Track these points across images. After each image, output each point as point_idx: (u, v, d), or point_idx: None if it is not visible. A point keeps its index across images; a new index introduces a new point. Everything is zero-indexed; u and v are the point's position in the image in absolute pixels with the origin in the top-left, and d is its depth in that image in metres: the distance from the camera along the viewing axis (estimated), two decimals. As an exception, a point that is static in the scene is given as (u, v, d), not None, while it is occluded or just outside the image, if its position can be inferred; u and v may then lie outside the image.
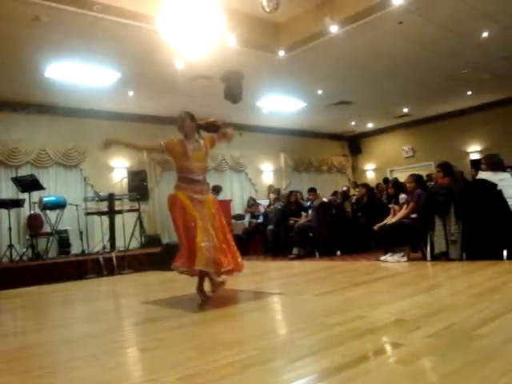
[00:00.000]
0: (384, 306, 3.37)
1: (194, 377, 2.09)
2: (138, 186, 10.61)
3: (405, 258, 6.13)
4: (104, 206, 9.11)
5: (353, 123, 14.46)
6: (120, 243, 8.96)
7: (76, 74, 8.19)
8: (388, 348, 2.40)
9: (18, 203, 8.64)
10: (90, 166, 10.60)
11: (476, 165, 11.78)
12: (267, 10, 6.73)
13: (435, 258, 5.67)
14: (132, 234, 9.52)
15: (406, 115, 13.72)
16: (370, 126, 15.10)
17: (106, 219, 9.01)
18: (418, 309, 3.10)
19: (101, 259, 7.89)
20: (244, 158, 13.25)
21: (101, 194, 9.36)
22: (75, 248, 9.32)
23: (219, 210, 4.26)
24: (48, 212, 8.96)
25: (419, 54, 8.59)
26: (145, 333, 3.36)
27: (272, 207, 10.21)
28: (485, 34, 7.87)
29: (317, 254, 8.05)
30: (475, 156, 12.87)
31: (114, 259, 7.95)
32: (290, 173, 14.62)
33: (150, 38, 6.63)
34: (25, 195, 8.75)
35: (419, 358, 2.11)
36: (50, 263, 7.75)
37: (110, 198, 9.02)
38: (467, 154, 13.40)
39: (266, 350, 2.47)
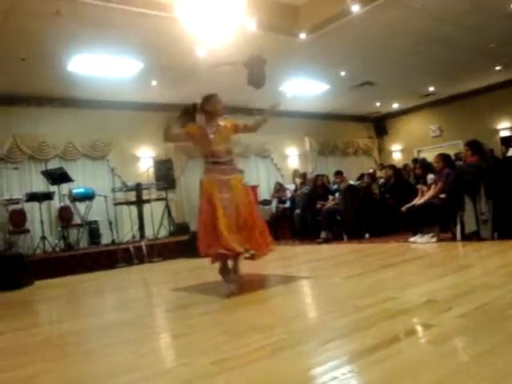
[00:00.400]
0: (414, 287, 3.34)
1: (227, 361, 2.12)
2: (165, 175, 10.66)
3: (434, 239, 6.03)
4: (132, 196, 9.23)
5: (378, 104, 14.22)
6: (149, 232, 9.11)
7: (98, 66, 8.24)
8: (419, 329, 2.39)
9: (48, 196, 8.81)
10: (117, 156, 10.71)
11: (506, 142, 11.53)
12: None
13: (466, 238, 5.57)
14: (161, 223, 9.64)
15: (431, 94, 13.40)
16: (395, 106, 14.83)
17: (134, 209, 9.12)
18: (448, 289, 3.06)
19: (131, 248, 8.02)
20: (269, 143, 13.17)
21: (128, 184, 9.48)
22: (105, 238, 9.46)
23: (247, 190, 4.29)
24: (77, 203, 9.12)
25: (443, 30, 8.33)
26: (176, 319, 3.41)
27: (299, 192, 10.17)
28: (512, 5, 7.59)
29: (345, 238, 8.01)
30: (505, 133, 12.54)
31: (144, 248, 8.06)
32: (315, 156, 14.48)
33: (170, 26, 6.62)
34: (54, 188, 8.94)
35: (450, 339, 2.10)
36: (81, 253, 7.92)
37: (138, 187, 9.13)
38: (497, 131, 13.04)
39: (296, 333, 2.48)
